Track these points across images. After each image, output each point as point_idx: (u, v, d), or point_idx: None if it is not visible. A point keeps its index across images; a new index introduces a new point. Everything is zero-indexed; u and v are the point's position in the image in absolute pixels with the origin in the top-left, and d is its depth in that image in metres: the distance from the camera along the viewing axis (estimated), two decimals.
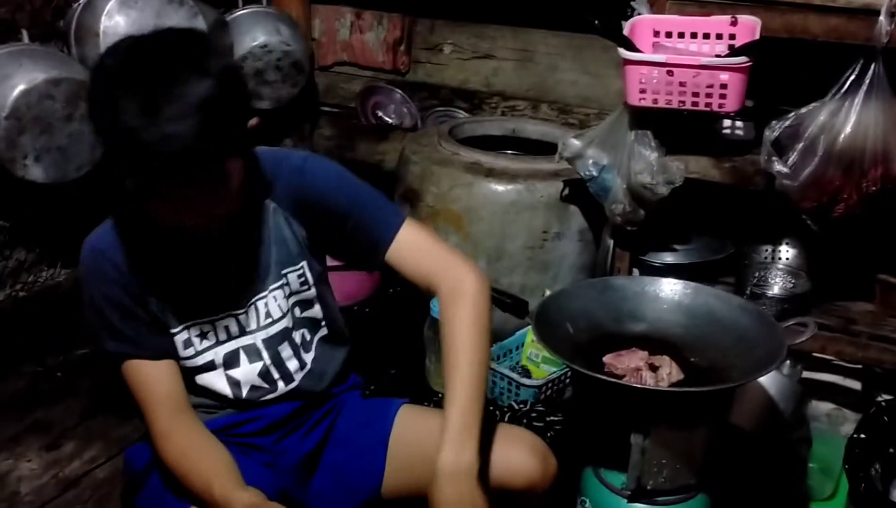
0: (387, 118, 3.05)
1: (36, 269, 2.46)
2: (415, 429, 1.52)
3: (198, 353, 1.45)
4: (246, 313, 1.46)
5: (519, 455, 1.47)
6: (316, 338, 1.54)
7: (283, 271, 1.46)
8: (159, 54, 1.19)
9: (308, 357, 1.53)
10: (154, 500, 1.45)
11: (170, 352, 1.43)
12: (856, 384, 2.18)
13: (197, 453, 1.38)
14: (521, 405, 2.07)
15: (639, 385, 1.47)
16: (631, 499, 1.58)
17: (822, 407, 2.19)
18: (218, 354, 1.46)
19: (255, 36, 2.65)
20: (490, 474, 1.43)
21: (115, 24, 2.17)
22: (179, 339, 1.44)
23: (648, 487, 1.55)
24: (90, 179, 2.24)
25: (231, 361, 1.48)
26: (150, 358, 1.41)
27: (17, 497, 1.97)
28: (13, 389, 2.34)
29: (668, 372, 1.56)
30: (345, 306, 1.57)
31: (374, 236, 1.45)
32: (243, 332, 1.47)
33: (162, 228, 1.30)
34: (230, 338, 1.47)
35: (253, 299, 1.46)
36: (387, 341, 2.34)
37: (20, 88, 2.03)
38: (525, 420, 2.02)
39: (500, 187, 2.24)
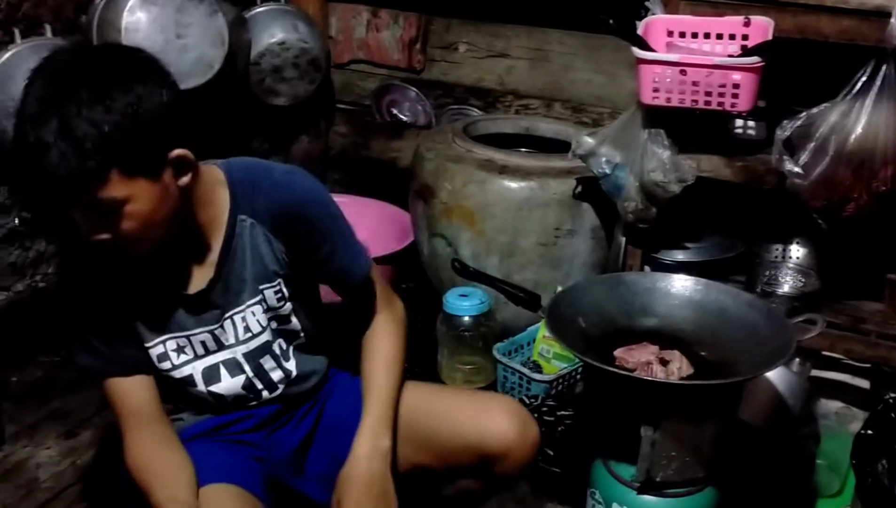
0: (401, 116, 3.08)
1: (55, 260, 2.49)
2: (405, 406, 1.56)
3: (175, 367, 1.47)
4: (222, 327, 1.47)
5: (495, 417, 1.53)
6: (292, 347, 1.56)
7: (260, 287, 1.47)
8: (81, 68, 1.21)
9: (290, 365, 1.56)
10: None
11: (142, 367, 1.45)
12: (864, 383, 2.19)
13: (153, 462, 1.41)
14: (532, 400, 2.09)
15: (649, 378, 1.50)
16: (640, 491, 1.59)
17: (830, 405, 2.20)
18: (196, 369, 1.48)
19: (273, 33, 2.68)
20: (467, 439, 1.50)
21: (136, 19, 2.20)
22: (154, 353, 1.46)
23: (658, 479, 1.57)
24: None
25: (211, 376, 1.50)
26: (121, 374, 1.43)
27: (35, 483, 2.00)
28: (32, 378, 2.38)
29: (679, 366, 1.58)
30: None
31: (346, 267, 1.53)
32: (221, 347, 1.49)
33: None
34: (208, 353, 1.48)
35: (228, 314, 1.47)
36: None
37: None
38: (536, 415, 2.04)
39: (513, 184, 2.27)
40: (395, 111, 3.08)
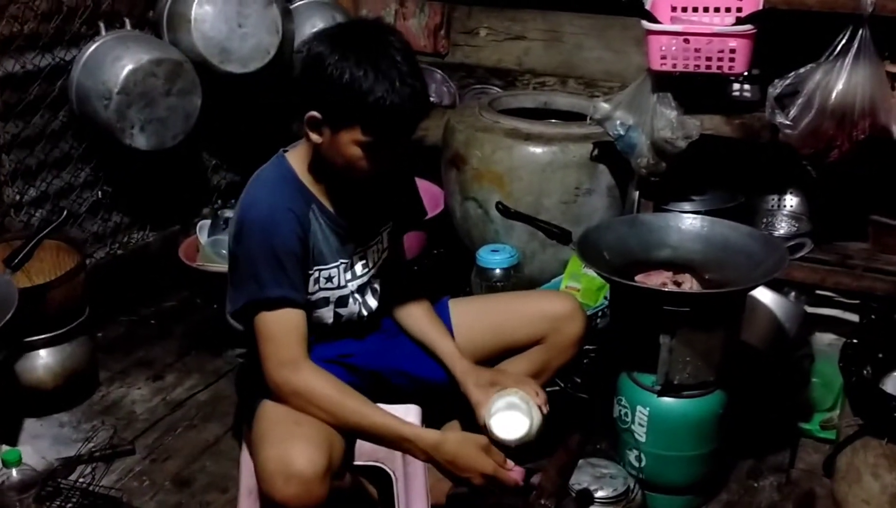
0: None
1: (129, 231, 2.78)
2: (476, 307, 1.95)
3: (321, 290, 1.69)
4: (357, 260, 1.73)
5: (557, 295, 1.99)
6: (380, 284, 1.83)
7: (381, 230, 1.78)
8: (394, 35, 1.54)
9: (379, 297, 1.82)
10: None
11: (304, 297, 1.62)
12: (854, 317, 2.46)
13: (328, 385, 1.57)
14: None
15: (667, 289, 1.78)
16: (660, 394, 1.88)
17: (824, 337, 2.47)
18: (333, 294, 1.72)
19: (314, 23, 2.94)
20: (538, 309, 1.85)
21: (204, 11, 2.50)
22: (310, 278, 1.66)
23: (675, 382, 1.86)
24: (179, 149, 2.57)
25: (341, 302, 1.74)
26: (302, 306, 1.58)
27: (133, 415, 2.30)
28: (114, 334, 2.67)
29: (690, 286, 1.87)
30: None
31: (421, 205, 1.86)
32: (350, 279, 1.73)
33: (333, 179, 1.61)
34: (342, 283, 1.72)
35: (359, 250, 1.74)
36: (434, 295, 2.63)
37: (129, 67, 2.36)
38: None
39: (537, 150, 2.54)
40: None
